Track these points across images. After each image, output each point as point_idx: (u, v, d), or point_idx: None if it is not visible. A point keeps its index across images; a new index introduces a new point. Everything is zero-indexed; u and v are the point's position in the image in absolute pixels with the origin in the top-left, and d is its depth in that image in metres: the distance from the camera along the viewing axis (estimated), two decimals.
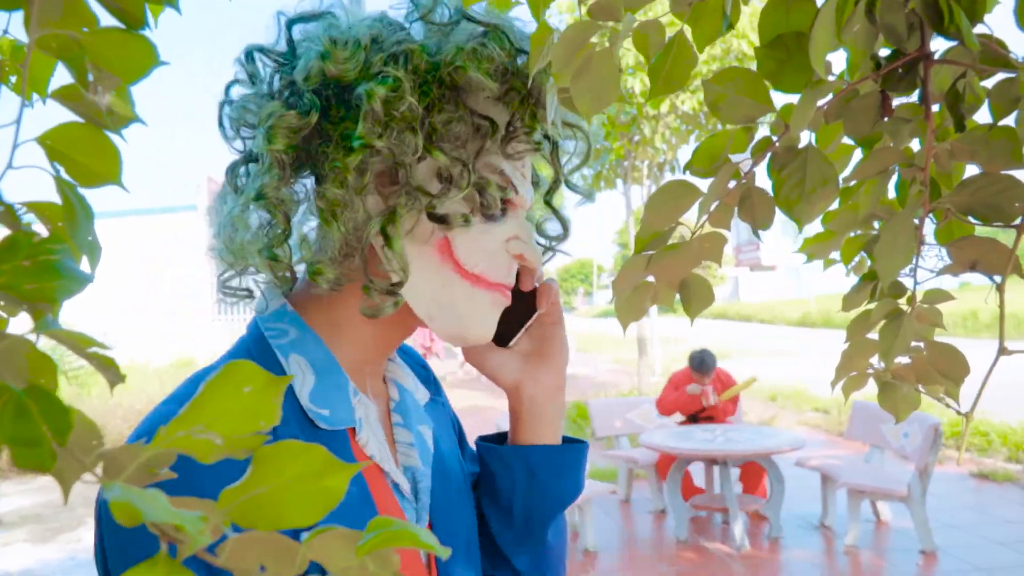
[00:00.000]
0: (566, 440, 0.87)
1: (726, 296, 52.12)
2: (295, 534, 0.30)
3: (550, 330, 0.85)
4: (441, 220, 0.69)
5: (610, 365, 18.38)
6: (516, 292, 0.82)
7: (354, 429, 0.74)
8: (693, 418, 6.42)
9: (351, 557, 0.31)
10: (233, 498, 0.31)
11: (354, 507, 0.70)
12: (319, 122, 0.69)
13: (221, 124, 0.74)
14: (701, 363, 6.17)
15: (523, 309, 0.83)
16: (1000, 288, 0.59)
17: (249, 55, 0.73)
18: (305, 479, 0.32)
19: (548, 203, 0.86)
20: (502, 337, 0.84)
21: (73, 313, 14.37)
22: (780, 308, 34.95)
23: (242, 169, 0.73)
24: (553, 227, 0.88)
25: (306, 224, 0.74)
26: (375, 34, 0.69)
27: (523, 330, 0.85)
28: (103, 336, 15.13)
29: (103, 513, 0.64)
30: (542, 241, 0.88)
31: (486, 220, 0.73)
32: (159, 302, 17.54)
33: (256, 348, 0.73)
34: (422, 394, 0.88)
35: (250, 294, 0.78)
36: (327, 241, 0.70)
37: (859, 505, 5.34)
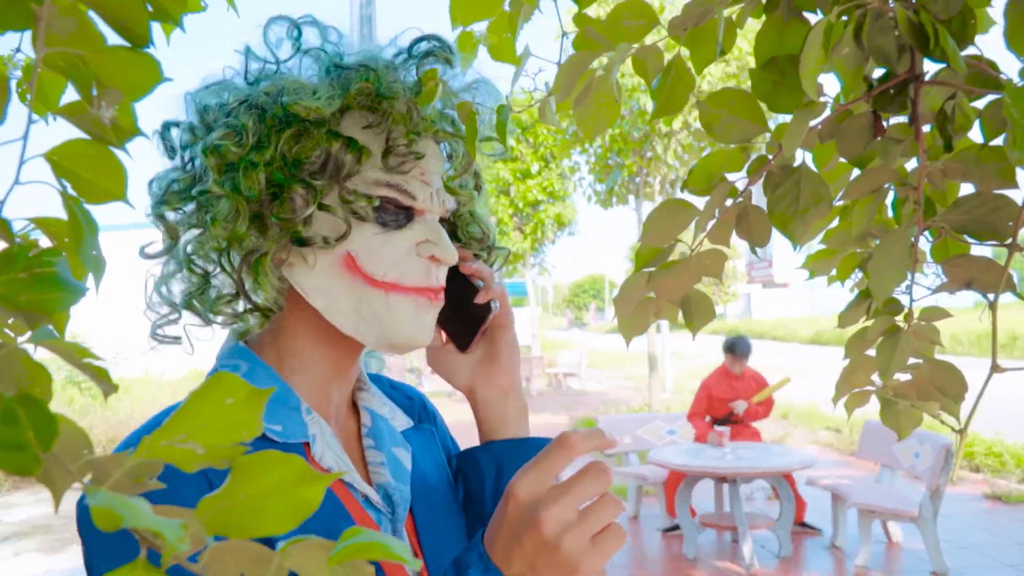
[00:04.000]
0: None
1: (739, 313, 51.87)
2: (271, 543, 0.31)
3: (498, 333, 0.89)
4: (302, 243, 0.75)
5: (621, 381, 18.32)
6: (470, 300, 0.87)
7: (308, 444, 0.78)
8: (721, 422, 6.37)
9: (325, 566, 0.32)
10: (211, 506, 0.32)
11: (326, 516, 0.73)
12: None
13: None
14: (732, 347, 6.20)
15: (477, 316, 0.87)
16: (993, 306, 0.59)
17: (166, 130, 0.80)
18: (281, 488, 0.33)
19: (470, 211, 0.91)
20: (461, 343, 0.89)
21: (87, 326, 14.45)
22: (793, 325, 34.72)
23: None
24: (474, 230, 0.92)
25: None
26: (243, 95, 0.77)
27: (478, 335, 0.88)
28: (117, 348, 15.26)
29: (81, 516, 0.67)
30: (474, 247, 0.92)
31: (386, 230, 0.78)
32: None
33: None
34: (401, 421, 0.92)
35: (177, 340, 0.83)
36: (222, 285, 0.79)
37: (870, 525, 5.30)
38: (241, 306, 0.80)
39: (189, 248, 0.77)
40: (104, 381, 0.39)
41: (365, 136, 0.78)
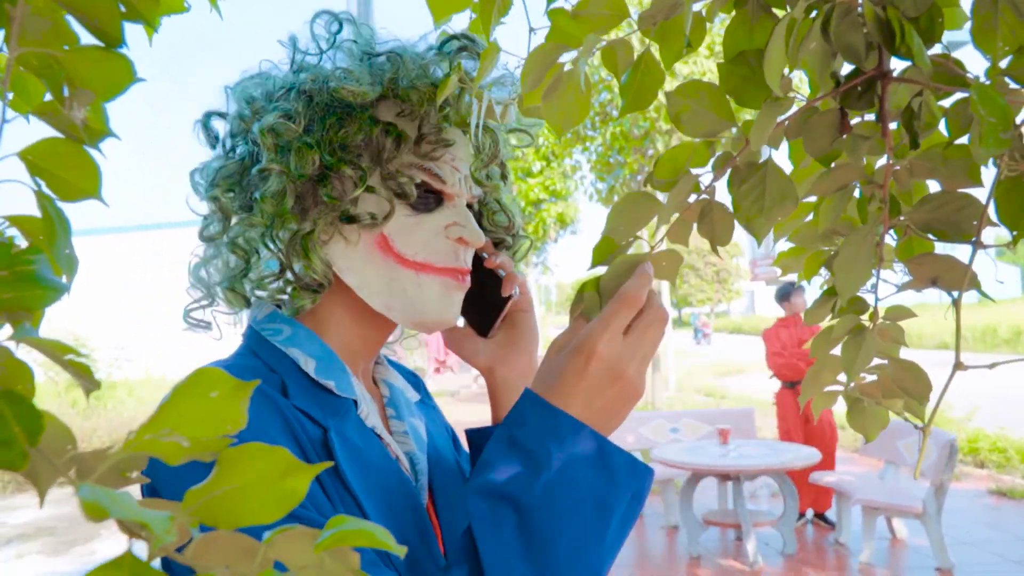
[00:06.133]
0: None
1: (742, 310, 51.71)
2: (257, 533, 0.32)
3: (519, 316, 0.94)
4: (352, 220, 0.80)
5: None
6: (492, 288, 0.91)
7: (356, 402, 0.82)
8: (792, 384, 6.31)
9: (311, 555, 0.32)
10: (198, 497, 0.32)
11: (389, 472, 0.80)
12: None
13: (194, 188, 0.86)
14: (786, 293, 6.15)
15: (498, 303, 0.92)
16: (956, 304, 0.60)
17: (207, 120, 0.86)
18: (267, 479, 0.33)
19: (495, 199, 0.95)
20: (482, 328, 0.94)
21: (88, 326, 14.48)
22: None
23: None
24: (500, 218, 0.96)
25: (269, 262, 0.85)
26: (288, 83, 0.82)
27: (499, 320, 0.92)
28: (119, 350, 15.29)
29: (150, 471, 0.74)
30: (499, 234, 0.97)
31: (417, 212, 0.82)
32: (175, 316, 17.60)
33: (257, 345, 0.82)
34: (411, 394, 0.96)
35: (208, 326, 0.87)
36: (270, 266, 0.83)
37: (874, 522, 5.29)
38: (286, 285, 0.84)
39: (233, 231, 0.82)
40: (86, 378, 0.39)
41: (399, 123, 0.82)
